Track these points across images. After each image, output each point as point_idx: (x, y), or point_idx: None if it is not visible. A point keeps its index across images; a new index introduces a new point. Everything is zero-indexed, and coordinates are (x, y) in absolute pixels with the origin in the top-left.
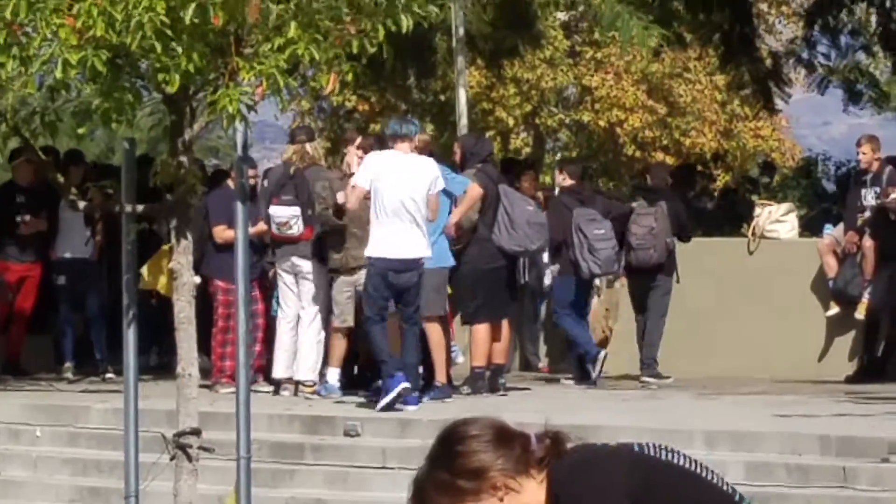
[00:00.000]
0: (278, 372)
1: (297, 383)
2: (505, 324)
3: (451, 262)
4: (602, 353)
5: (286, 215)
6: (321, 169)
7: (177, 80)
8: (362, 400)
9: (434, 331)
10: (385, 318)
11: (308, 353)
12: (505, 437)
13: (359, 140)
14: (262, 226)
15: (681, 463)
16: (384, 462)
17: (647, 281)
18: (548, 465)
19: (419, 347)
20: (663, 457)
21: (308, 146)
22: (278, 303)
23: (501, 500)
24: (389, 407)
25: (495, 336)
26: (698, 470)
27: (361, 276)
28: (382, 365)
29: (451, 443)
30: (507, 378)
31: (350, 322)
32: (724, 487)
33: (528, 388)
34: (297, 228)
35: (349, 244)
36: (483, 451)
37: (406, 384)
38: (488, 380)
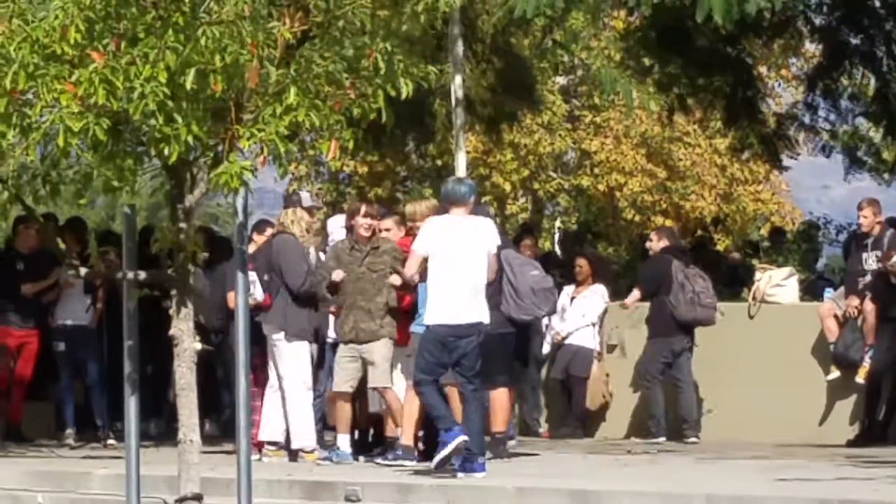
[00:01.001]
0: (262, 435)
1: (297, 451)
2: (505, 391)
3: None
4: None
5: None
6: (289, 236)
7: (177, 150)
8: (363, 465)
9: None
10: (438, 381)
11: (299, 421)
12: None
13: (364, 208)
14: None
15: None
16: None
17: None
18: None
19: (482, 415)
20: None
21: (282, 213)
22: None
23: None
24: (445, 462)
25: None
26: None
27: (371, 345)
28: (440, 420)
29: None
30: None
31: (354, 387)
32: None
33: (538, 454)
34: (257, 294)
35: (357, 317)
36: None
37: (465, 437)
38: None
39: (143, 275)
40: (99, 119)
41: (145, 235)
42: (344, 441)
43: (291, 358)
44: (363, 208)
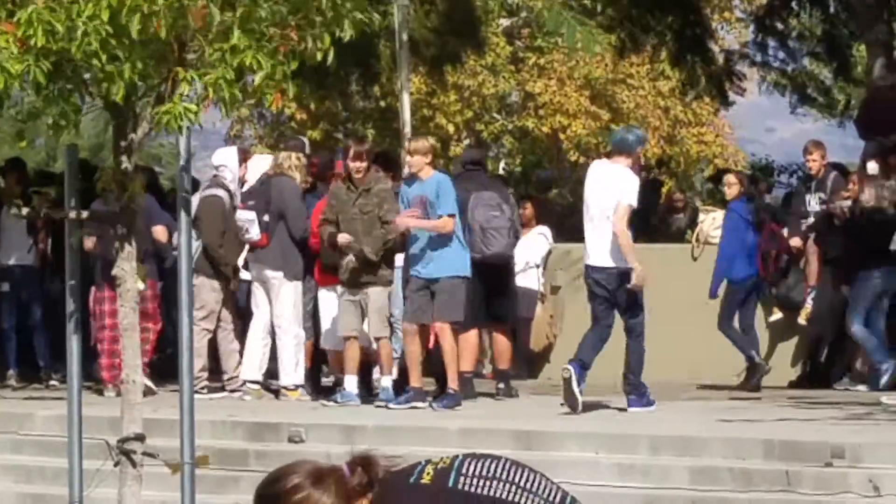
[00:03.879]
0: (247, 374)
1: (279, 389)
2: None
3: (468, 272)
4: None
5: (243, 219)
6: (289, 179)
7: (121, 89)
8: (309, 404)
9: (446, 338)
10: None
11: (290, 359)
12: (320, 477)
13: (353, 150)
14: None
15: (499, 493)
16: None
17: None
18: (367, 489)
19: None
20: (482, 489)
21: (282, 154)
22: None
23: None
24: None
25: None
26: (519, 497)
27: (367, 292)
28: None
29: (274, 500)
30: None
31: (357, 330)
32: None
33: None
34: (254, 233)
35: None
36: (307, 500)
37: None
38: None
39: (85, 213)
40: (39, 61)
41: (88, 174)
42: (351, 382)
43: (289, 297)
44: (352, 150)
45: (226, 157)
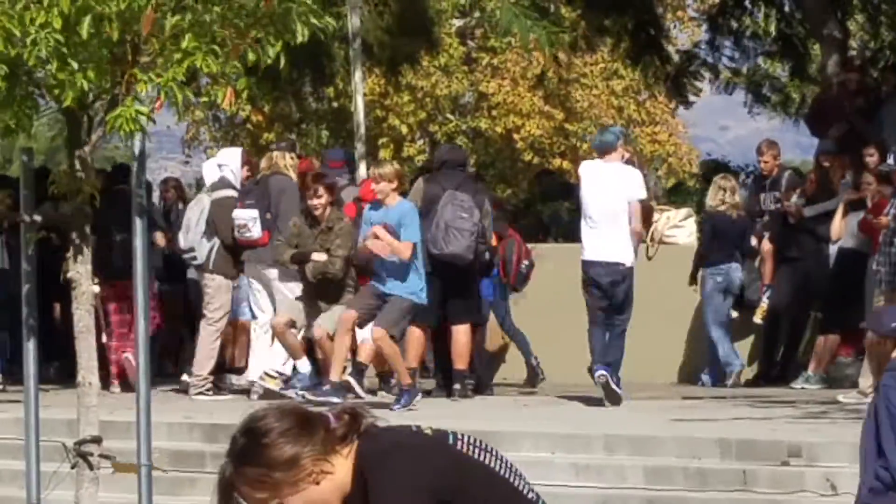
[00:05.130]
0: (253, 375)
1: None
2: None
3: (421, 299)
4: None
5: (245, 218)
6: (286, 178)
7: (72, 96)
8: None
9: (386, 343)
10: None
11: (280, 350)
12: (306, 422)
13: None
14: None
15: (492, 464)
16: None
17: None
18: (350, 440)
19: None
20: (477, 455)
21: (275, 154)
22: (251, 309)
23: (318, 483)
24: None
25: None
26: (507, 474)
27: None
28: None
29: (256, 437)
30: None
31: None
32: (530, 495)
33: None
34: (255, 231)
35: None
36: (291, 441)
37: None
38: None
39: (39, 217)
40: None
41: (43, 178)
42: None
43: (286, 294)
44: (316, 188)
45: (229, 157)
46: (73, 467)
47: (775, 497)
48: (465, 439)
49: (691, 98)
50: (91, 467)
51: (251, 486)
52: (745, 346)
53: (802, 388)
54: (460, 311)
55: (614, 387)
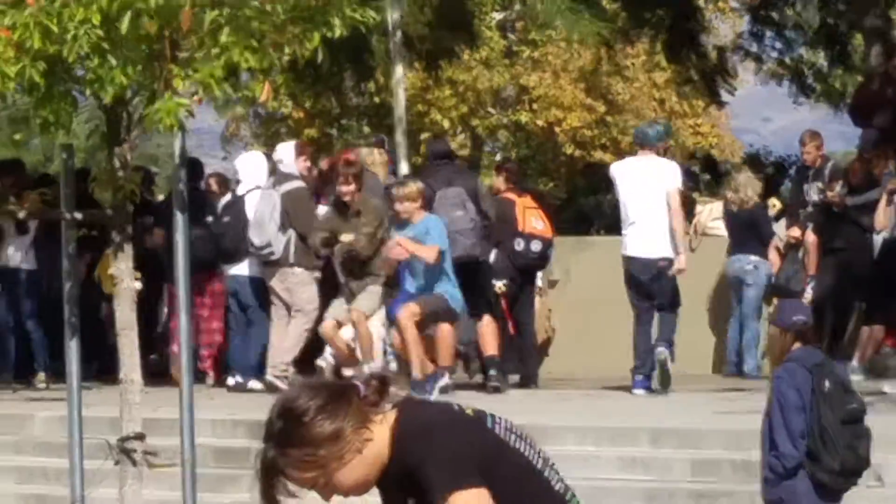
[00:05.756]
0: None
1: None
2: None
3: (458, 306)
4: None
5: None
6: (372, 175)
7: (111, 92)
8: None
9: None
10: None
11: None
12: (340, 394)
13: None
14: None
15: (525, 451)
16: None
17: None
18: (382, 406)
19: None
20: (512, 441)
21: (363, 151)
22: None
23: (361, 452)
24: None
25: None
26: (539, 463)
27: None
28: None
29: (295, 417)
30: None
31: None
32: (558, 486)
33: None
34: None
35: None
36: (330, 416)
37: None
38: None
39: (80, 215)
40: (34, 63)
41: (83, 177)
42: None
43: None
44: (346, 175)
45: (284, 152)
46: (116, 464)
47: None
48: (503, 423)
49: (729, 91)
50: (134, 464)
51: (298, 468)
52: None
53: None
54: (479, 305)
55: (668, 367)
